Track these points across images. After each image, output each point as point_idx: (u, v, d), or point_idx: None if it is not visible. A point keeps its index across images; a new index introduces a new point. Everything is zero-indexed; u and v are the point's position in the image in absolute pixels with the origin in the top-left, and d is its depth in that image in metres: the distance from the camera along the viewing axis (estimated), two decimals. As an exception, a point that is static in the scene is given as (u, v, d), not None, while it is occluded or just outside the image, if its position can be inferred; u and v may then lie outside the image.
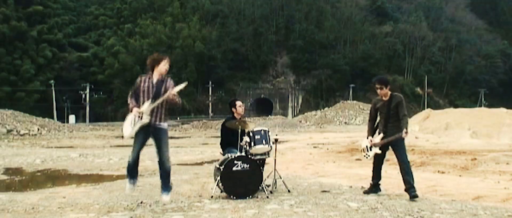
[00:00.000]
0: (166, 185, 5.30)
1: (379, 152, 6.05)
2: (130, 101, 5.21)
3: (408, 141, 6.11)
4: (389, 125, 5.98)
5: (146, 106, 5.09)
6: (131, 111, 5.14)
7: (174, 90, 5.06)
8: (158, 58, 5.30)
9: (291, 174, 8.77)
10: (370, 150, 6.12)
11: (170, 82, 5.23)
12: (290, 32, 76.81)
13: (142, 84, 5.21)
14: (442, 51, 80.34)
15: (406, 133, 5.75)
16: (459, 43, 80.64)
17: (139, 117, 5.07)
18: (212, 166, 8.53)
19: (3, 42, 61.95)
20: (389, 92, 6.04)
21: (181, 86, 5.12)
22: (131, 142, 5.30)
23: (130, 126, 5.14)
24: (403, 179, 5.91)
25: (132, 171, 5.36)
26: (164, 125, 5.20)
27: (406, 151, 6.07)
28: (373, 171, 6.24)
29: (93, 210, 5.32)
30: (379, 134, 6.09)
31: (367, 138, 6.19)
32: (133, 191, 5.55)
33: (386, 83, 6.03)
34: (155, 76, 5.23)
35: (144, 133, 5.15)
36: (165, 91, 5.10)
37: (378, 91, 6.05)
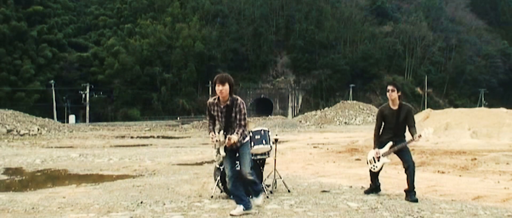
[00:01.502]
0: (254, 192, 5.19)
1: (388, 161, 5.98)
2: (211, 128, 5.00)
3: (408, 140, 6.07)
4: (397, 134, 5.92)
5: (221, 137, 4.87)
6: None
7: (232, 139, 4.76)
8: (215, 78, 4.93)
9: (291, 174, 8.76)
10: (378, 160, 6.00)
11: (239, 107, 4.87)
12: (290, 32, 76.88)
13: (212, 110, 5.00)
14: (442, 51, 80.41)
15: (420, 136, 5.69)
16: (459, 43, 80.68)
17: (217, 147, 4.90)
18: (212, 166, 8.53)
19: (3, 42, 61.97)
20: (398, 101, 5.92)
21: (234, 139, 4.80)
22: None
23: (216, 152, 4.96)
24: (408, 181, 5.85)
25: (238, 190, 4.99)
26: (245, 139, 5.00)
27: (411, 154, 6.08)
28: (373, 175, 6.21)
29: (93, 210, 5.32)
30: (384, 143, 5.97)
31: (374, 149, 6.05)
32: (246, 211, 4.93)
33: (399, 88, 5.91)
34: (222, 101, 4.93)
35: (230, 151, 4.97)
36: (235, 117, 4.86)
37: (390, 93, 5.84)
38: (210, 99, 5.03)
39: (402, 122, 5.88)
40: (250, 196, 5.16)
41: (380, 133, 6.05)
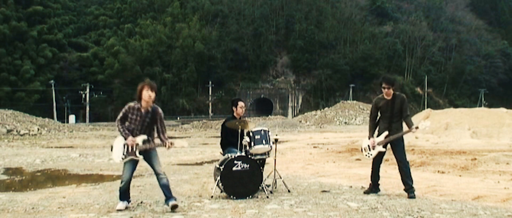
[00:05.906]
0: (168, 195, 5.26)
1: (383, 150, 6.06)
2: (122, 128, 5.15)
3: (408, 140, 6.13)
4: (393, 123, 6.01)
5: (141, 141, 5.12)
6: (125, 138, 5.13)
7: (176, 144, 5.22)
8: (140, 86, 5.16)
9: (291, 174, 8.76)
10: (373, 148, 6.10)
11: (159, 115, 5.21)
12: (290, 32, 76.85)
13: (130, 114, 5.15)
14: (442, 51, 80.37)
15: (417, 127, 5.85)
16: (459, 43, 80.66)
17: (132, 149, 5.14)
18: (212, 166, 8.54)
19: (3, 42, 61.98)
20: (392, 92, 6.04)
21: (183, 144, 5.40)
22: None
23: (121, 153, 5.23)
24: (402, 180, 6.00)
25: (125, 193, 5.35)
26: (154, 147, 5.27)
27: (405, 151, 6.11)
28: (372, 169, 6.26)
29: (93, 210, 5.31)
30: (380, 133, 6.08)
31: (369, 138, 6.17)
32: (125, 208, 5.30)
33: (393, 83, 6.02)
34: (143, 107, 5.15)
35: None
36: (154, 123, 5.18)
37: (385, 90, 5.98)
38: (131, 104, 5.20)
39: (397, 111, 5.99)
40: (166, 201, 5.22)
41: (377, 123, 6.18)
